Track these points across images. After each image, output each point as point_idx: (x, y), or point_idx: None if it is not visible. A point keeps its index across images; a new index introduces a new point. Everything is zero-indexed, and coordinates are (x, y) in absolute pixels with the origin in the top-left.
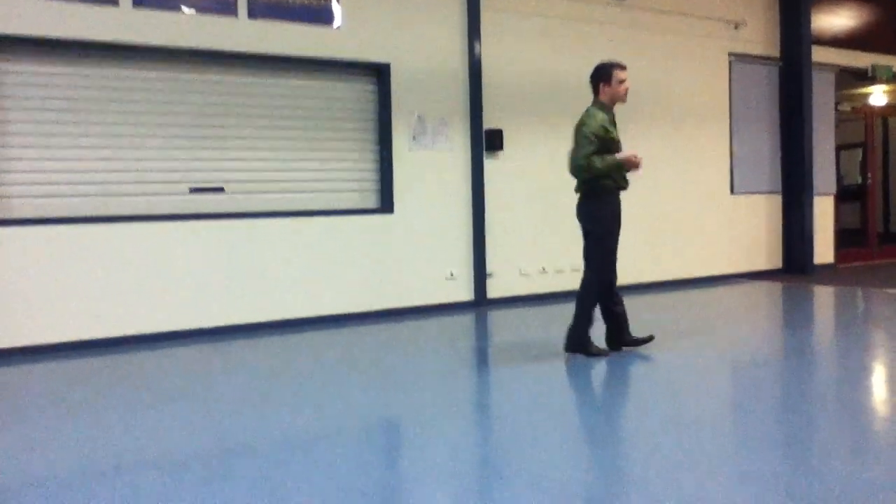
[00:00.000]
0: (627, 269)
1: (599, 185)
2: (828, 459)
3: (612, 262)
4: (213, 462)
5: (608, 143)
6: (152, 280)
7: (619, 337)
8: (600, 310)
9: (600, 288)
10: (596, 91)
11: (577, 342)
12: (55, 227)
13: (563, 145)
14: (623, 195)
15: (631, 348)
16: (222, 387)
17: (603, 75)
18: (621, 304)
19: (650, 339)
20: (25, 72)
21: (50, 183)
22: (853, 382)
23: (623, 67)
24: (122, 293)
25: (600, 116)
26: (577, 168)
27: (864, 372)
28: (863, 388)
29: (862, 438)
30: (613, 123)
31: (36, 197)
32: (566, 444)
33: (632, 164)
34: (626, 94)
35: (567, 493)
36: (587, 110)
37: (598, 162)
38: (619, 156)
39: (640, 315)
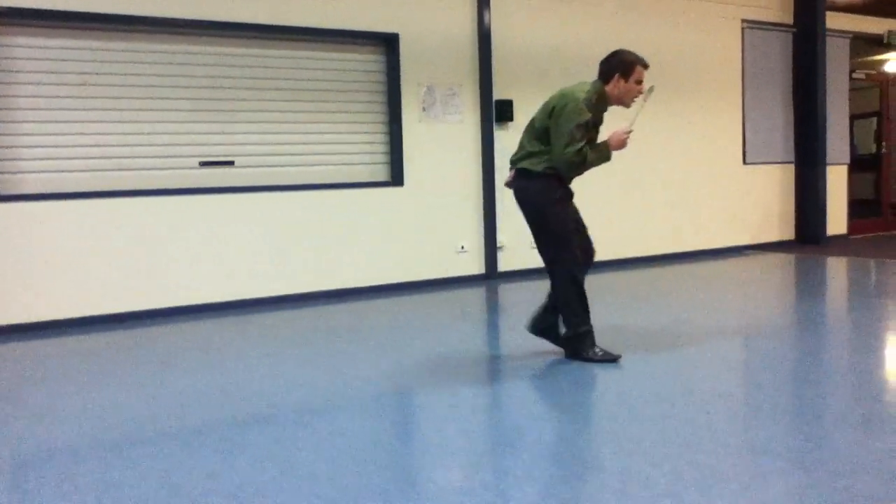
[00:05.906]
0: (638, 242)
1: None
2: (841, 429)
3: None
4: (230, 432)
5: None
6: (161, 255)
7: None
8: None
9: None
10: (606, 79)
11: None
12: (65, 202)
13: None
14: (632, 165)
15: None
16: (235, 358)
17: (621, 67)
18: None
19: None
20: (34, 45)
21: (59, 158)
22: (870, 353)
23: (646, 66)
24: (131, 268)
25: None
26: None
27: (880, 342)
28: (879, 358)
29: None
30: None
31: (46, 172)
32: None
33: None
34: (632, 98)
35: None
36: (574, 92)
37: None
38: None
39: (655, 287)
